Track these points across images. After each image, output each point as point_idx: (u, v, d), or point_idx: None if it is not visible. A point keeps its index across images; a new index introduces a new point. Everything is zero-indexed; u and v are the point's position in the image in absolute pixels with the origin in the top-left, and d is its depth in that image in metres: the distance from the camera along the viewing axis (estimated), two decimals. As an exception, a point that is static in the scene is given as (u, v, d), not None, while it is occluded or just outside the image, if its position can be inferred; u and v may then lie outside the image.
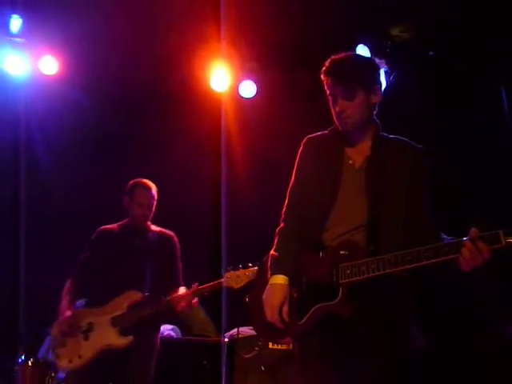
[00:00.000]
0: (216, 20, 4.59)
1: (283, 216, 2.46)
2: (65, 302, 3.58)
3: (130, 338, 3.41)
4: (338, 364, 2.22)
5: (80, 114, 5.15)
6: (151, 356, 3.54)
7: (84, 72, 5.01)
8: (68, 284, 3.67)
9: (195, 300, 3.49)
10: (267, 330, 2.37)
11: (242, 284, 3.32)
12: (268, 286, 2.33)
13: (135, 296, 3.48)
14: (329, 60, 2.37)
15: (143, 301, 3.48)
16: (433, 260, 2.06)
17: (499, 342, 4.18)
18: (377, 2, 4.47)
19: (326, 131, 2.49)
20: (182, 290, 3.58)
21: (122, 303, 3.48)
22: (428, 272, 2.14)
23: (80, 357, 3.45)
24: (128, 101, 5.23)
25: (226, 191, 4.86)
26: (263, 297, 2.34)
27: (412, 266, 2.10)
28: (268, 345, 4.14)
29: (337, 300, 2.20)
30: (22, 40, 4.87)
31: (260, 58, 5.09)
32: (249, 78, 5.26)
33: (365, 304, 2.19)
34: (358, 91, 2.31)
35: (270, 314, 2.29)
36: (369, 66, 2.40)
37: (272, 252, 2.41)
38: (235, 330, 4.50)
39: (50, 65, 5.01)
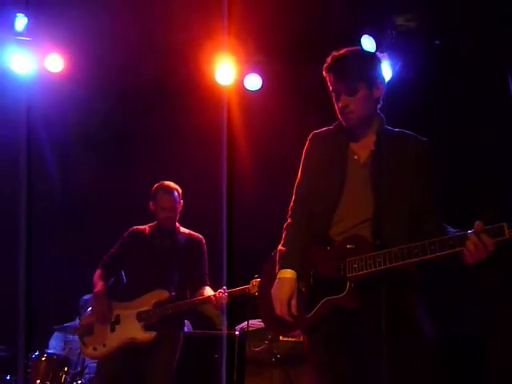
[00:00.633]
0: (221, 13, 4.58)
1: (290, 211, 2.49)
2: (99, 286, 3.66)
3: (154, 333, 3.52)
4: (345, 353, 2.25)
5: (86, 111, 5.17)
6: (175, 351, 3.62)
7: (90, 69, 5.02)
8: (98, 272, 3.77)
9: (223, 303, 3.57)
10: (276, 324, 2.40)
11: None
12: (276, 281, 2.36)
13: (163, 295, 3.59)
14: (330, 56, 2.39)
15: (169, 300, 3.58)
16: (438, 253, 2.08)
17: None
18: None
19: (331, 126, 2.51)
20: (208, 290, 3.68)
21: (149, 300, 3.59)
22: (435, 264, 2.15)
23: (104, 346, 3.59)
24: (133, 96, 5.24)
25: (230, 184, 4.87)
26: (272, 291, 2.37)
27: (418, 259, 2.12)
28: (278, 337, 4.17)
29: (344, 293, 2.23)
30: (28, 38, 4.89)
31: (265, 50, 5.08)
32: (254, 71, 5.25)
33: (372, 297, 2.21)
34: (360, 86, 2.33)
35: (279, 307, 2.32)
36: (370, 61, 2.40)
37: (280, 247, 2.44)
38: (245, 322, 4.53)
39: (55, 62, 5.03)
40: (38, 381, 4.28)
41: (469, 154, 4.58)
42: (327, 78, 2.39)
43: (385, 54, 2.33)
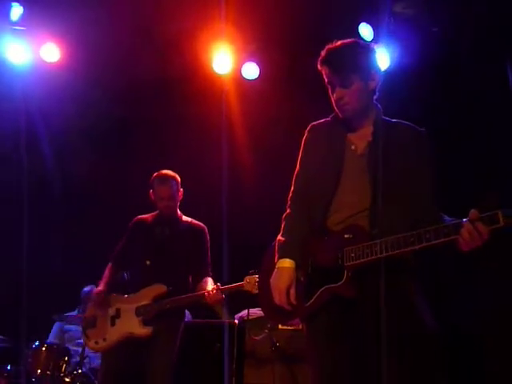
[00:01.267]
0: (218, 1, 4.55)
1: (289, 202, 2.52)
2: (100, 286, 3.75)
3: (150, 328, 3.54)
4: (344, 341, 2.27)
5: (82, 101, 5.15)
6: (174, 342, 3.63)
7: (86, 59, 4.99)
8: (107, 268, 3.83)
9: (218, 299, 3.56)
10: (276, 313, 2.44)
11: None
12: (275, 270, 2.39)
13: (161, 289, 3.60)
14: (324, 49, 2.40)
15: (168, 294, 3.59)
16: (433, 241, 2.10)
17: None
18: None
19: (329, 118, 2.53)
20: (210, 281, 3.69)
21: (148, 294, 3.62)
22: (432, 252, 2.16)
23: (105, 340, 3.64)
24: (130, 87, 5.21)
25: (228, 173, 4.86)
26: (271, 280, 2.39)
27: (413, 247, 2.13)
28: (277, 326, 4.18)
29: (342, 282, 2.26)
30: (23, 28, 4.85)
31: (263, 39, 5.04)
32: (252, 59, 5.23)
33: (370, 285, 2.23)
34: (354, 78, 2.34)
35: (278, 297, 2.35)
36: (364, 53, 2.40)
37: (279, 237, 2.46)
38: (245, 311, 4.55)
39: (51, 52, 5.00)
40: (39, 370, 4.30)
41: (468, 141, 4.58)
42: (322, 71, 2.41)
43: (380, 44, 2.32)
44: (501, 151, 4.42)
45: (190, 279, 3.75)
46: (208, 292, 3.54)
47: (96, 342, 3.66)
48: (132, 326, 3.58)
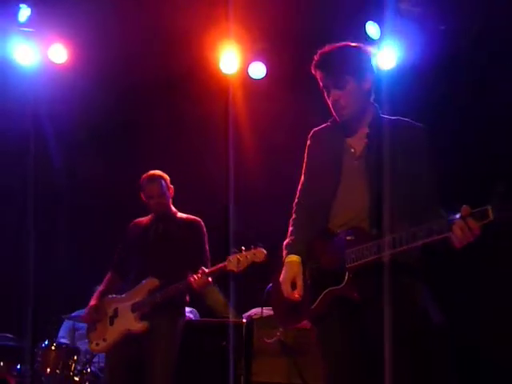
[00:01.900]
0: (225, 0, 4.56)
1: (294, 207, 2.60)
2: (96, 292, 3.84)
3: (146, 323, 3.57)
4: (351, 342, 2.31)
5: (90, 101, 5.17)
6: (174, 338, 3.65)
7: (93, 59, 5.01)
8: (108, 275, 3.90)
9: (207, 281, 3.54)
10: (285, 317, 2.54)
11: (242, 268, 3.42)
12: (283, 267, 2.46)
13: (153, 283, 3.62)
14: (317, 54, 2.43)
15: (160, 287, 3.59)
16: (426, 239, 2.11)
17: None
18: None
19: (328, 123, 2.56)
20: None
21: (142, 290, 3.64)
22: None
23: (105, 340, 3.69)
24: (138, 86, 5.23)
25: (234, 172, 4.87)
26: (280, 279, 2.46)
27: (408, 246, 2.15)
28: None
29: (343, 284, 2.29)
30: (31, 29, 4.88)
31: (270, 38, 5.04)
32: (258, 59, 5.22)
33: (374, 286, 2.24)
34: (348, 79, 2.37)
35: (285, 287, 2.42)
36: (357, 55, 2.42)
37: (285, 241, 2.54)
38: (253, 310, 4.55)
39: (59, 53, 5.02)
40: (48, 370, 4.33)
41: (476, 137, 4.54)
42: (316, 75, 2.44)
43: (374, 46, 2.33)
44: (505, 151, 4.39)
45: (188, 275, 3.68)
46: (193, 277, 3.51)
47: (97, 344, 3.71)
48: (129, 322, 3.62)
